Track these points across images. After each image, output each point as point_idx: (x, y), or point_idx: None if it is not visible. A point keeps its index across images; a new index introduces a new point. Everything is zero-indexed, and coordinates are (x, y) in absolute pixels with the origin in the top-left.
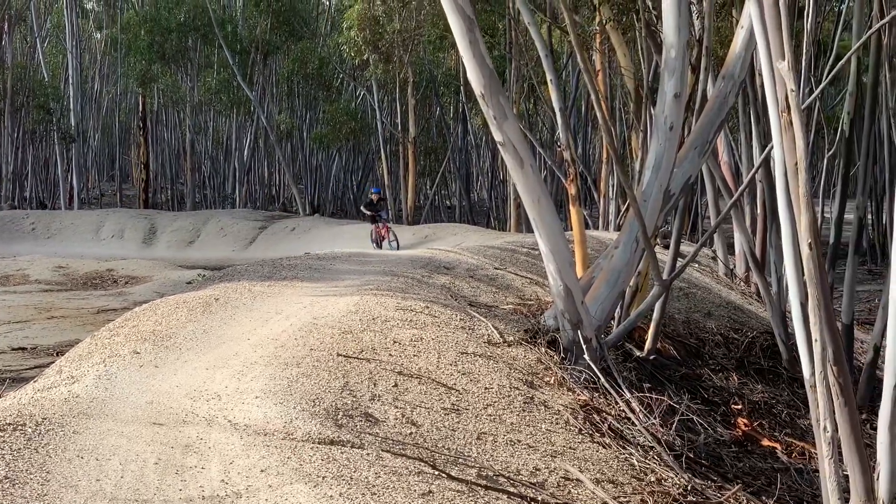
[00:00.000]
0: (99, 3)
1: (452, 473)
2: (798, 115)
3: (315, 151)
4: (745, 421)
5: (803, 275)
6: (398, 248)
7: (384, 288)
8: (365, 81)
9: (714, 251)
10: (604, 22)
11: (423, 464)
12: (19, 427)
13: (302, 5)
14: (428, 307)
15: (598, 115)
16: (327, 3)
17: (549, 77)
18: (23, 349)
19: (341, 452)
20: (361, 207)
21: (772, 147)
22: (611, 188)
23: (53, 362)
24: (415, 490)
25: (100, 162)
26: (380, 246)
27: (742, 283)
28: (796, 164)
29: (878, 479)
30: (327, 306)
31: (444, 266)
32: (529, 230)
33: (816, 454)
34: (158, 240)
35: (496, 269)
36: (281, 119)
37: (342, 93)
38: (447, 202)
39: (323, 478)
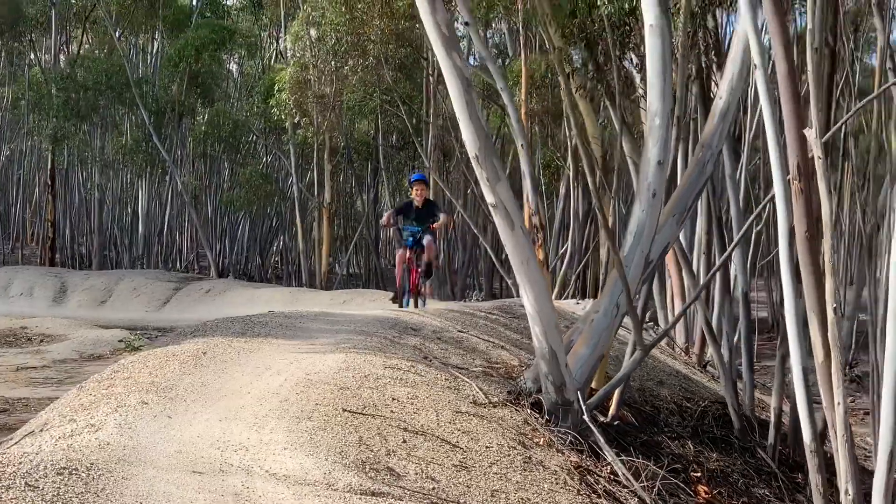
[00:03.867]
0: None
1: None
2: (825, 182)
3: (221, 215)
4: (706, 488)
5: (806, 340)
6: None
7: (361, 347)
8: (282, 146)
9: (652, 322)
10: (574, 90)
11: None
12: (74, 472)
13: (217, 68)
14: (413, 366)
15: (589, 180)
16: (234, 67)
17: (519, 143)
18: None
19: (389, 503)
20: (384, 218)
21: (752, 221)
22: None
23: None
24: None
25: None
26: (402, 301)
27: (683, 354)
28: (806, 232)
29: None
30: (315, 363)
31: (411, 327)
32: (443, 297)
33: None
34: (69, 299)
35: (459, 331)
36: (189, 181)
37: (253, 156)
38: (353, 269)
39: None
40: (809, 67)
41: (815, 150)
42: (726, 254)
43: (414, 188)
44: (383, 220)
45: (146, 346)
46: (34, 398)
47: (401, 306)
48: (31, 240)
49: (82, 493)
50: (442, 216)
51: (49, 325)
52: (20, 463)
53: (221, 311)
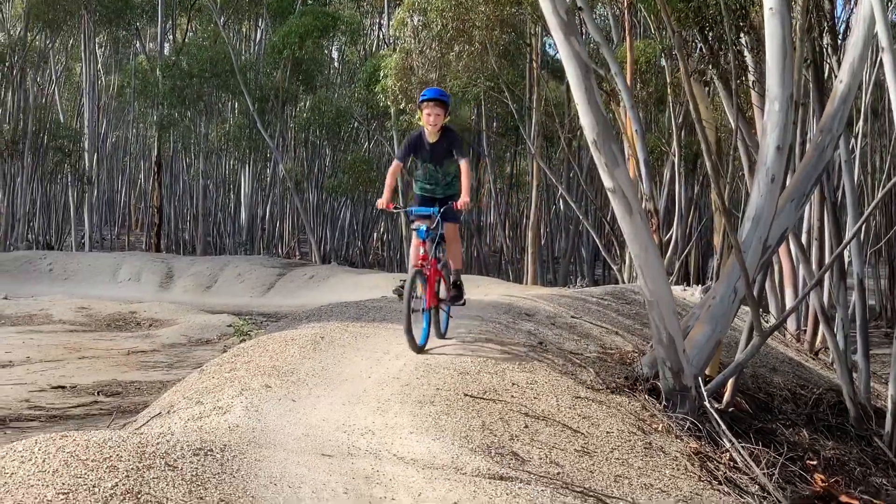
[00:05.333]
0: (105, 49)
1: None
2: None
3: (322, 201)
4: (822, 477)
5: None
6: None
7: (476, 332)
8: (385, 132)
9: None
10: (689, 74)
11: (598, 502)
12: (209, 453)
13: (320, 55)
14: (530, 351)
15: (708, 164)
16: (335, 55)
17: (634, 128)
18: (62, 388)
19: (519, 488)
20: (383, 194)
21: (875, 206)
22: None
23: (96, 401)
24: None
25: (100, 205)
26: (412, 335)
27: (795, 341)
28: None
29: None
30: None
31: (525, 313)
32: (546, 283)
33: None
34: (175, 284)
35: (573, 317)
36: (293, 167)
37: (355, 142)
38: None
39: None
40: None
41: None
42: (847, 240)
43: (424, 109)
44: (381, 200)
45: (254, 331)
46: (146, 381)
47: (414, 347)
48: (136, 226)
49: (218, 473)
50: (464, 166)
51: (157, 310)
52: (158, 444)
53: (325, 297)
